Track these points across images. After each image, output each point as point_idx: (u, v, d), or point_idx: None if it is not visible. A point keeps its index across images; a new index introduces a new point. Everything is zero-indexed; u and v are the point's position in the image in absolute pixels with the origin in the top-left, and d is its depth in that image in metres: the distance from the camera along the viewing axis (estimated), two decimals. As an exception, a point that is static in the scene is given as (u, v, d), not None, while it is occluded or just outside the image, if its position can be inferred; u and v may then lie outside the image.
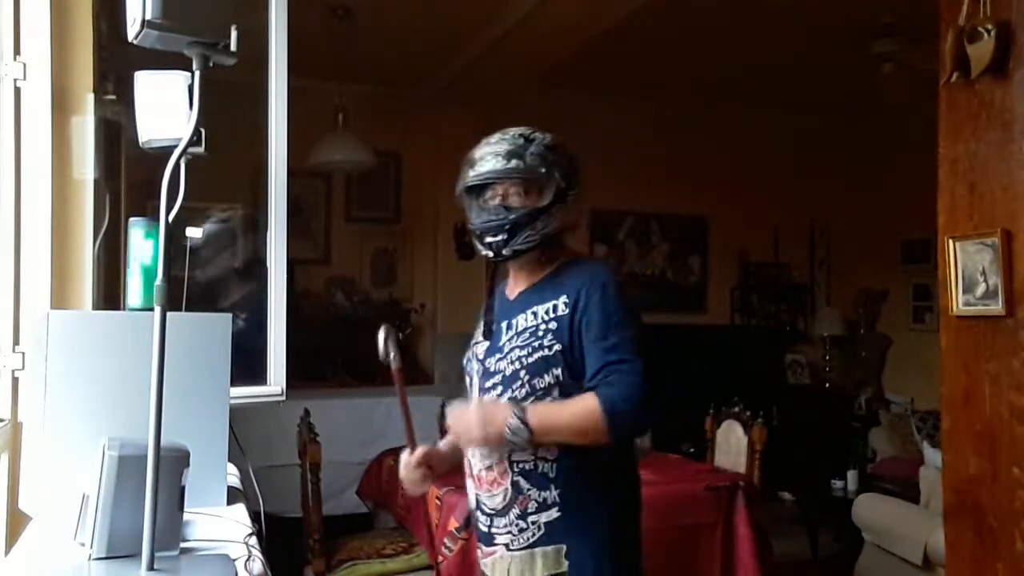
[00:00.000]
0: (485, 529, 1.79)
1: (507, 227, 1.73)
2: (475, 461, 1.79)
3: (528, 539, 1.71)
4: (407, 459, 1.82)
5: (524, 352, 1.72)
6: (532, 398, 1.69)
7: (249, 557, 1.37)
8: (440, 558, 2.77)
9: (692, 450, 4.18)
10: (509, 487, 1.72)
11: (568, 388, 1.68)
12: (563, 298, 1.72)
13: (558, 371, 1.69)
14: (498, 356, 1.77)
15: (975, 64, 2.40)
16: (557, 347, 1.69)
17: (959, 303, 2.53)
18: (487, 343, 1.82)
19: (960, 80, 2.46)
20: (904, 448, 5.63)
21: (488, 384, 1.77)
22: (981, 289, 2.46)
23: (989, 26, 2.36)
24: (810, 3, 4.55)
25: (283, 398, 2.21)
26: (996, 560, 2.43)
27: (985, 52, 2.37)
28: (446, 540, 2.77)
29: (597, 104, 5.92)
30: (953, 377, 2.59)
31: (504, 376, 1.74)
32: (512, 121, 1.81)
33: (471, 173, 1.76)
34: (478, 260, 6.44)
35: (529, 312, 1.75)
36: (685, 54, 5.46)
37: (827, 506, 4.83)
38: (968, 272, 2.50)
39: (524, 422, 1.60)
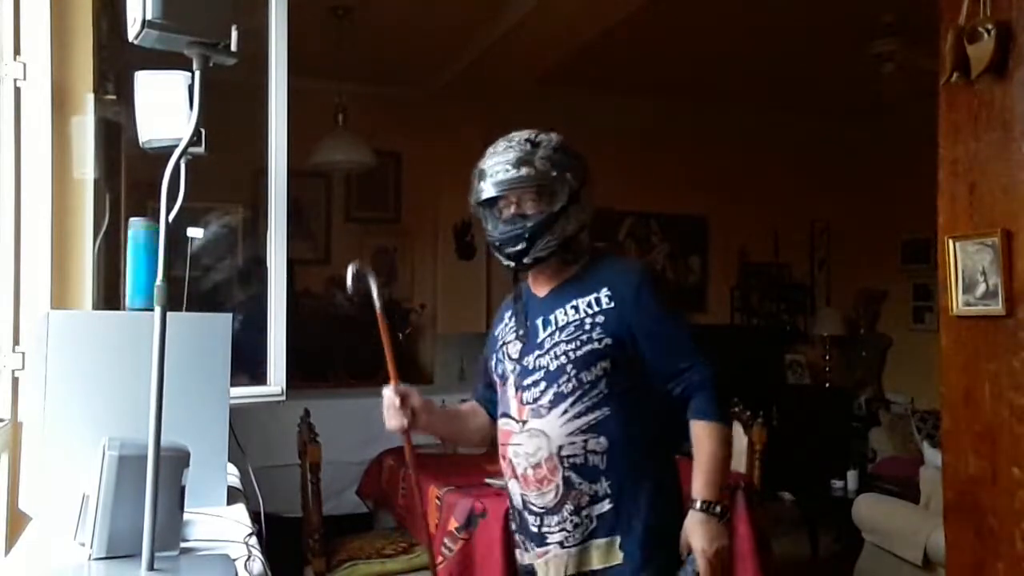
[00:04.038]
0: (535, 529, 1.77)
1: (526, 236, 1.74)
2: (519, 460, 1.77)
3: (583, 534, 1.73)
4: (389, 392, 1.85)
5: (572, 346, 1.73)
6: (579, 392, 1.71)
7: (249, 557, 1.37)
8: (440, 558, 2.77)
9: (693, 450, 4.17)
10: (560, 483, 1.72)
11: (614, 380, 1.72)
12: (604, 291, 1.75)
13: (606, 363, 1.72)
14: (538, 353, 1.77)
15: (975, 64, 2.40)
16: (608, 340, 1.71)
17: (959, 303, 2.53)
18: (520, 344, 1.81)
19: (960, 80, 2.46)
20: (904, 448, 5.62)
21: (528, 381, 1.77)
22: (981, 289, 2.46)
23: (989, 26, 2.36)
24: (810, 3, 4.55)
25: (283, 398, 2.21)
26: (996, 560, 2.43)
27: (985, 52, 2.37)
28: (446, 540, 2.76)
29: (597, 104, 5.92)
30: (953, 377, 2.60)
31: (548, 372, 1.74)
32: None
33: (483, 185, 1.75)
34: (478, 260, 6.50)
35: (568, 307, 1.76)
36: (685, 54, 5.45)
37: (827, 506, 4.82)
38: (968, 272, 2.50)
39: (716, 505, 1.72)
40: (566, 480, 1.71)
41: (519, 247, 1.75)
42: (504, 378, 1.84)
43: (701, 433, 1.74)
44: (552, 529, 1.74)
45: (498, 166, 1.74)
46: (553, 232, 1.74)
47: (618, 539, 1.71)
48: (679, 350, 1.74)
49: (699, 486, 1.72)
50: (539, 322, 1.79)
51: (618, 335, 1.72)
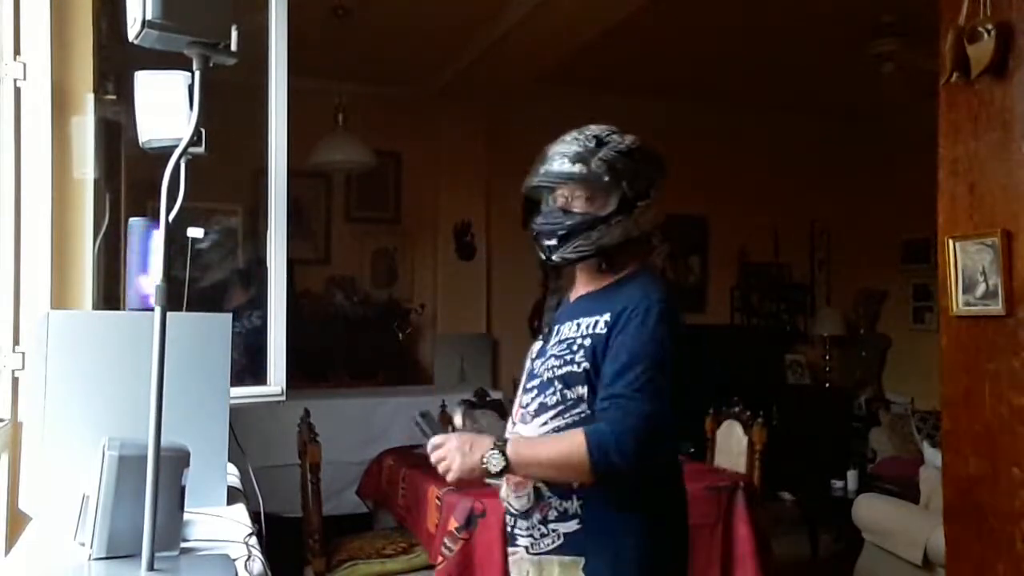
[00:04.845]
0: (510, 529, 1.78)
1: (560, 233, 1.69)
2: None
3: (547, 545, 1.68)
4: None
5: (558, 363, 1.69)
6: (562, 407, 1.67)
7: (249, 557, 1.37)
8: (440, 558, 2.77)
9: (692, 450, 4.18)
10: (532, 492, 1.70)
11: (593, 404, 1.65)
12: (606, 316, 1.66)
13: (583, 389, 1.65)
14: (542, 359, 1.75)
15: (975, 64, 2.40)
16: (585, 365, 1.65)
17: (959, 303, 2.53)
18: (541, 344, 1.81)
19: (960, 80, 2.46)
20: (904, 448, 5.62)
21: (529, 385, 1.77)
22: (981, 289, 2.46)
23: (989, 26, 2.36)
24: (810, 3, 4.55)
25: (283, 398, 2.21)
26: (996, 560, 2.43)
27: (985, 52, 2.37)
28: (446, 540, 2.77)
29: (597, 104, 5.88)
30: (953, 377, 2.60)
31: (541, 381, 1.73)
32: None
33: (539, 171, 1.72)
34: (478, 260, 6.51)
35: (575, 322, 1.72)
36: (685, 54, 5.46)
37: (827, 506, 4.82)
38: (968, 272, 2.50)
39: (502, 452, 1.57)
40: (537, 490, 1.69)
41: (552, 242, 1.70)
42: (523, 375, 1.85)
43: (574, 432, 1.58)
44: (522, 532, 1.73)
45: (557, 156, 1.70)
46: (589, 237, 1.68)
47: (583, 561, 1.65)
48: (622, 382, 1.58)
49: (517, 438, 1.63)
50: (556, 328, 1.78)
51: (596, 361, 1.64)
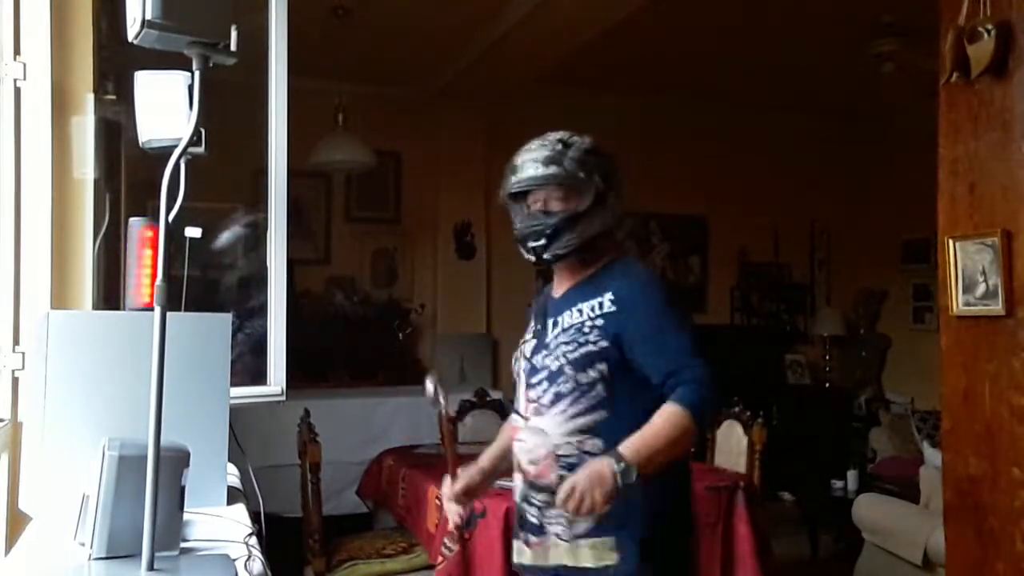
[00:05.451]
0: (535, 521, 1.81)
1: (548, 232, 1.79)
2: (521, 456, 1.83)
3: (581, 530, 1.74)
4: (448, 491, 1.89)
5: (569, 348, 1.77)
6: (577, 393, 1.75)
7: (249, 557, 1.37)
8: (440, 558, 2.77)
9: (692, 450, 4.17)
10: (556, 480, 1.74)
11: (612, 383, 1.74)
12: (608, 295, 1.77)
13: (603, 367, 1.74)
14: (544, 353, 1.82)
15: (975, 64, 2.40)
16: (604, 343, 1.74)
17: (959, 303, 2.53)
18: (535, 341, 1.88)
19: (960, 80, 2.46)
20: (904, 448, 5.62)
21: (534, 380, 1.83)
22: (981, 289, 2.46)
23: (989, 26, 2.36)
24: (810, 3, 4.55)
25: (283, 398, 2.21)
26: (996, 560, 2.43)
27: (985, 52, 2.37)
28: (446, 540, 2.76)
29: (597, 104, 5.92)
30: (953, 377, 2.60)
31: (550, 371, 1.79)
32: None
33: (512, 179, 1.82)
34: (478, 260, 6.50)
35: (575, 309, 1.80)
36: (685, 54, 5.46)
37: (827, 506, 4.82)
38: (968, 272, 2.50)
39: (625, 463, 1.60)
40: (561, 479, 1.72)
41: (540, 242, 1.81)
42: (519, 376, 1.91)
43: (664, 409, 1.67)
44: (551, 520, 1.78)
45: (528, 163, 1.81)
46: (574, 231, 1.79)
47: (610, 540, 1.73)
48: (672, 354, 1.71)
49: (624, 443, 1.65)
50: (550, 322, 1.85)
51: (615, 339, 1.74)
